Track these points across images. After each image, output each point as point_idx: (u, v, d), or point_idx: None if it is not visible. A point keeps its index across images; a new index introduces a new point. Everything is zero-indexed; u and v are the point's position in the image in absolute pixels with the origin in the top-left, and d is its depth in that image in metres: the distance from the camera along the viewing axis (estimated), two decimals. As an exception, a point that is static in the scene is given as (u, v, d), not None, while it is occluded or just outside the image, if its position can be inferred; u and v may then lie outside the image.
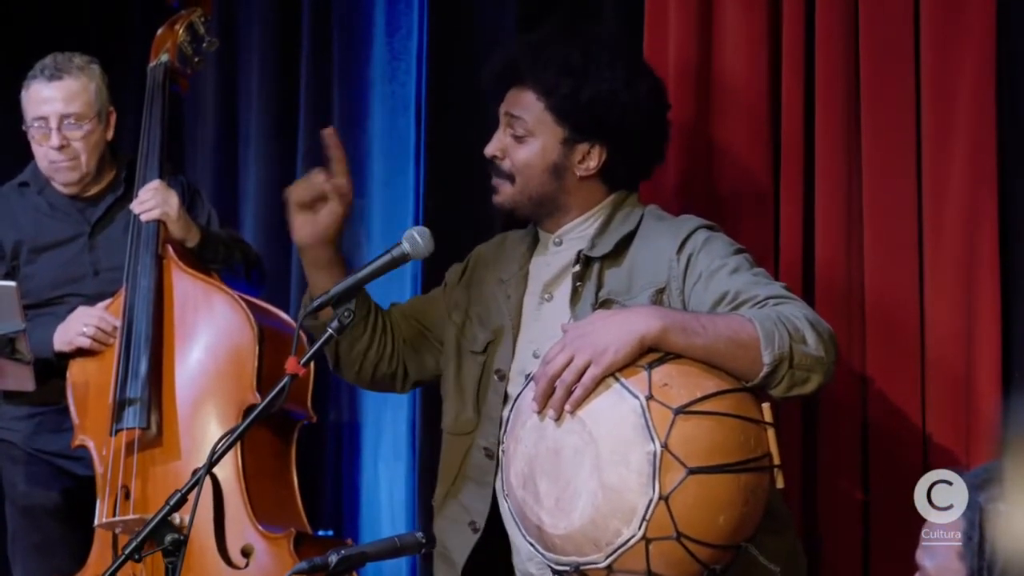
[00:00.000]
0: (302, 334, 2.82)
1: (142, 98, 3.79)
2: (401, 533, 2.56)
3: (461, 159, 3.70)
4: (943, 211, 3.06)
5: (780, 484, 2.41)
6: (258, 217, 4.35)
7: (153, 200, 3.60)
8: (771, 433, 2.41)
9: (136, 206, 3.62)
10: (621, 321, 2.42)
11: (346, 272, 2.81)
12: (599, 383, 2.37)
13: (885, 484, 3.08)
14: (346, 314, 2.63)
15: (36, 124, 3.72)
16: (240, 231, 4.23)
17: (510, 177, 2.83)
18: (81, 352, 3.59)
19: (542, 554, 2.44)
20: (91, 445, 3.53)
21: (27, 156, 3.82)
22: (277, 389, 2.54)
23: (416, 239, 2.68)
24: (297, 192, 2.83)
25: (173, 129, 4.02)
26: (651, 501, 2.29)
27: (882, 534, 3.08)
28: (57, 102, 3.70)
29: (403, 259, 2.69)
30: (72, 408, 3.58)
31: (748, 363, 2.43)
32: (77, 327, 3.57)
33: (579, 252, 2.80)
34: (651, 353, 2.40)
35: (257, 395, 3.42)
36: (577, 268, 2.79)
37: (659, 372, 2.37)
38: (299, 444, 3.60)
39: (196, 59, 3.85)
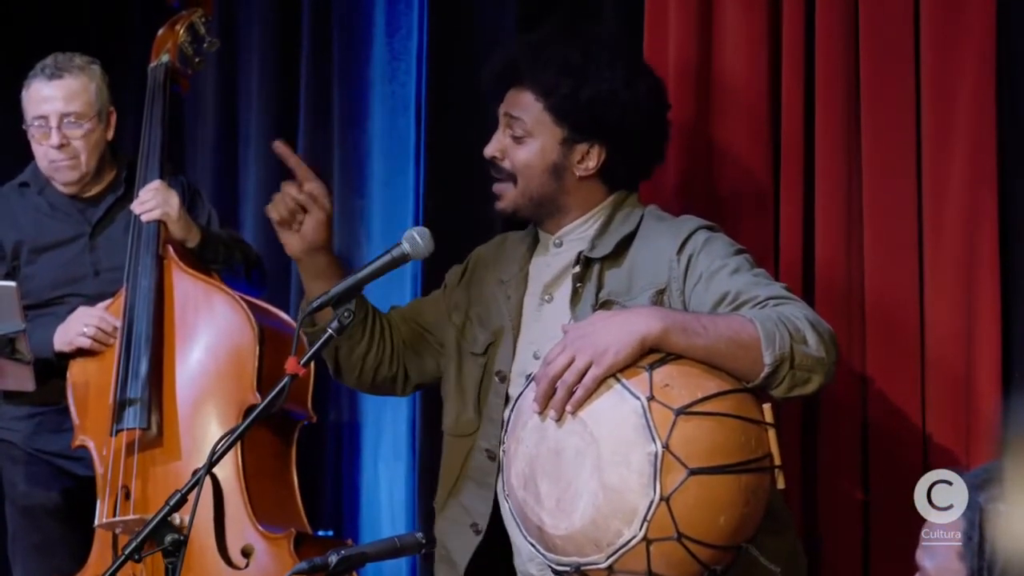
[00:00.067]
0: (302, 335, 2.82)
1: (142, 98, 3.80)
2: (401, 533, 2.56)
3: (461, 159, 3.70)
4: (943, 211, 3.06)
5: (781, 485, 2.42)
6: (258, 217, 4.34)
7: (154, 200, 3.60)
8: (772, 434, 2.41)
9: (137, 206, 3.62)
10: (622, 322, 2.42)
11: (344, 276, 2.81)
12: (600, 384, 2.37)
13: (885, 484, 3.08)
14: (346, 314, 2.63)
15: (36, 123, 3.72)
16: (240, 231, 4.23)
17: (512, 178, 2.83)
18: (81, 352, 3.60)
19: (543, 555, 2.44)
20: (91, 445, 3.53)
21: (27, 156, 3.82)
22: (277, 389, 2.54)
23: (416, 239, 2.68)
24: (275, 211, 2.82)
25: (173, 129, 4.02)
26: (652, 502, 2.29)
27: (882, 534, 3.08)
28: (57, 101, 3.70)
29: (403, 259, 2.69)
30: (72, 408, 3.58)
31: (749, 364, 2.43)
32: (77, 327, 3.58)
33: (579, 253, 2.80)
34: (652, 354, 2.40)
35: (257, 395, 3.42)
36: (577, 269, 2.79)
37: (660, 373, 2.37)
38: (299, 444, 3.60)
39: (197, 59, 3.85)
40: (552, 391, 2.40)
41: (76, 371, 3.61)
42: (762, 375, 2.43)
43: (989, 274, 2.99)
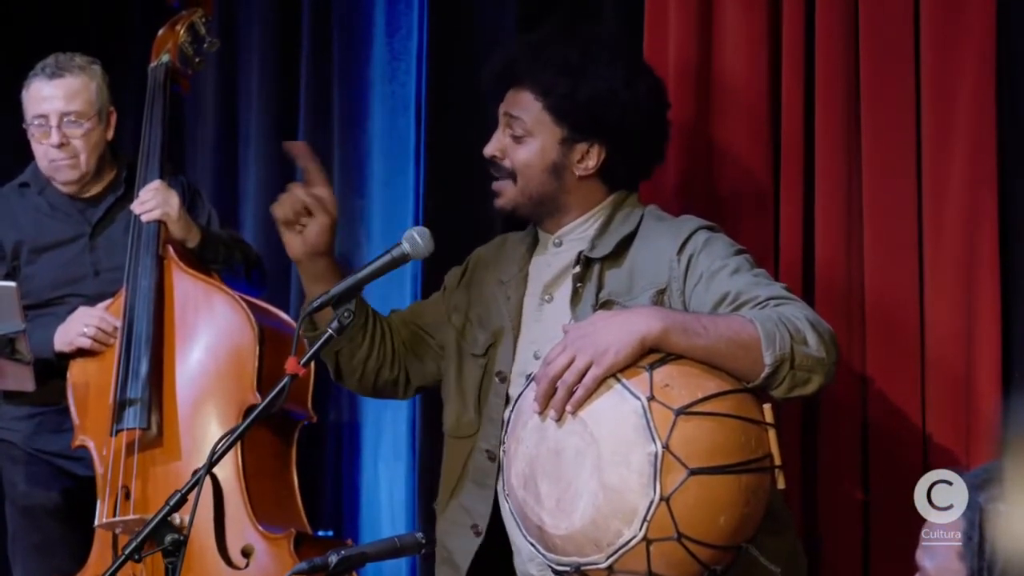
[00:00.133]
0: (303, 337, 2.82)
1: (142, 99, 3.80)
2: (401, 533, 2.57)
3: (461, 159, 3.70)
4: (943, 211, 3.06)
5: (781, 485, 2.42)
6: (258, 217, 4.35)
7: (154, 200, 3.60)
8: (772, 434, 2.41)
9: (137, 206, 3.62)
10: (622, 322, 2.42)
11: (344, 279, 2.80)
12: (600, 384, 2.37)
13: (885, 484, 3.08)
14: (346, 314, 2.63)
15: (36, 122, 3.73)
16: (240, 231, 4.23)
17: (512, 176, 2.83)
18: (81, 352, 3.60)
19: (543, 555, 2.44)
20: (91, 445, 3.53)
21: (27, 156, 3.82)
22: (277, 389, 2.54)
23: (416, 239, 2.68)
24: (280, 210, 2.82)
25: (173, 129, 4.02)
26: (652, 502, 2.29)
27: (882, 534, 3.08)
28: (58, 100, 3.71)
29: (403, 259, 2.69)
30: (72, 408, 3.58)
31: (749, 364, 2.43)
32: (77, 327, 3.58)
33: (579, 253, 2.80)
34: (652, 354, 2.40)
35: (257, 395, 3.42)
36: (577, 269, 2.79)
37: (660, 373, 2.37)
38: (299, 444, 3.60)
39: (197, 59, 3.85)
40: (552, 391, 2.39)
41: (76, 371, 3.61)
42: (762, 375, 2.43)
43: (989, 274, 2.99)
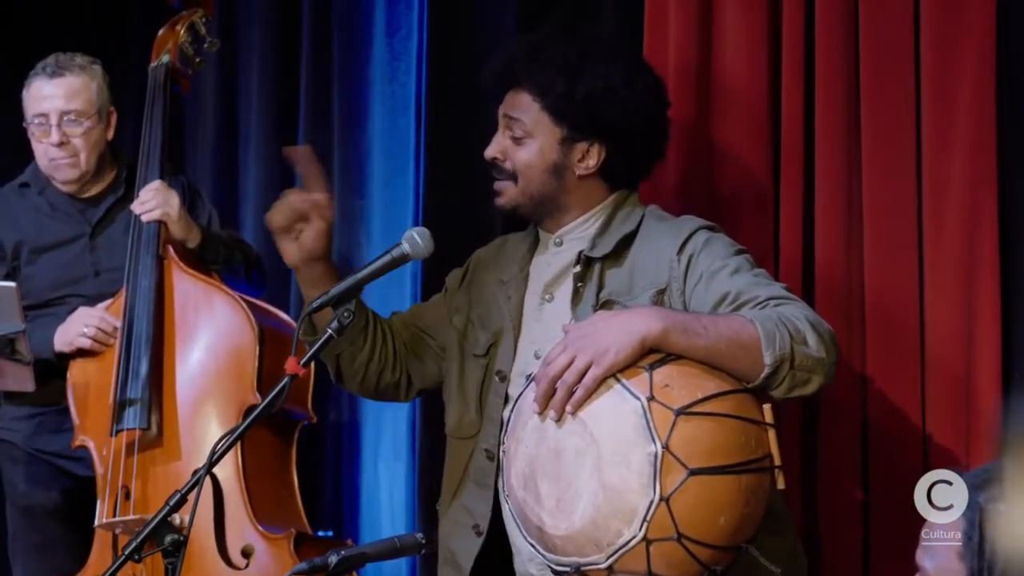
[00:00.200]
0: (303, 340, 2.82)
1: (142, 99, 3.80)
2: (401, 534, 2.56)
3: (461, 159, 3.70)
4: (943, 211, 3.06)
5: (781, 485, 2.42)
6: (258, 217, 4.34)
7: (154, 200, 3.60)
8: (772, 434, 2.41)
9: (137, 206, 3.62)
10: (622, 322, 2.42)
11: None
12: (600, 384, 2.37)
13: (885, 484, 3.08)
14: (345, 315, 2.62)
15: (36, 121, 3.73)
16: (240, 231, 4.23)
17: (512, 177, 2.83)
18: (81, 353, 3.59)
19: (543, 555, 2.44)
20: (91, 445, 3.53)
21: (27, 156, 3.82)
22: (277, 389, 2.54)
23: (416, 239, 2.67)
24: (275, 218, 2.81)
25: (173, 129, 4.02)
26: (652, 502, 2.29)
27: (882, 534, 3.08)
28: (58, 99, 3.71)
29: (403, 260, 2.69)
30: (72, 409, 3.58)
31: (749, 364, 2.43)
32: (77, 328, 3.58)
33: (580, 252, 2.80)
34: (652, 354, 2.40)
35: (257, 395, 3.42)
36: (578, 268, 2.79)
37: (660, 373, 2.37)
38: (299, 444, 3.60)
39: (197, 59, 3.85)
40: (552, 391, 2.39)
41: (76, 371, 3.60)
42: (762, 375, 2.43)
43: (989, 274, 2.99)
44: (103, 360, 3.57)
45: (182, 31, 3.80)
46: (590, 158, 2.81)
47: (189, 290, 3.57)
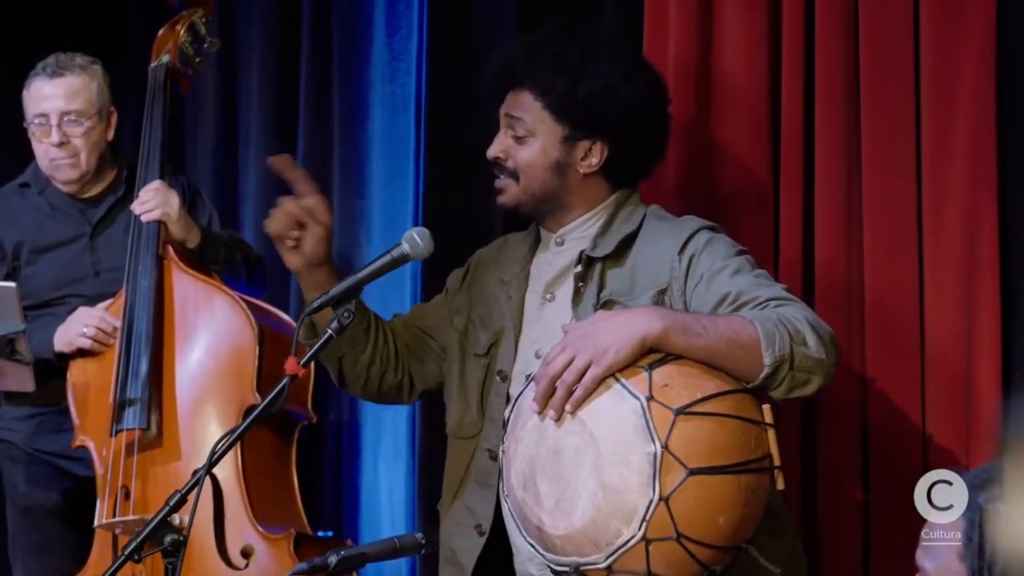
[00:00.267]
0: (303, 343, 2.81)
1: (142, 99, 3.80)
2: (401, 534, 2.56)
3: (461, 159, 3.70)
4: (943, 211, 3.06)
5: (780, 485, 2.41)
6: (258, 217, 4.34)
7: (154, 200, 3.60)
8: (771, 434, 2.41)
9: (137, 207, 3.62)
10: (622, 322, 2.42)
11: None
12: (600, 383, 2.37)
13: (885, 484, 3.08)
14: (345, 315, 2.62)
15: (37, 121, 3.73)
16: (240, 231, 4.23)
17: (514, 175, 2.83)
18: (81, 353, 3.60)
19: (542, 555, 2.44)
20: (91, 446, 3.53)
21: (27, 156, 3.83)
22: (277, 389, 2.54)
23: (416, 240, 2.67)
24: (273, 226, 2.82)
25: (173, 129, 4.02)
26: (651, 502, 2.29)
27: (882, 534, 3.08)
28: (58, 99, 3.71)
29: (403, 260, 2.69)
30: (72, 409, 3.58)
31: (749, 364, 2.43)
32: (77, 328, 3.58)
33: (581, 252, 2.80)
34: (652, 354, 2.40)
35: (257, 395, 3.42)
36: (579, 268, 2.79)
37: (660, 373, 2.37)
38: (299, 444, 3.60)
39: (197, 59, 3.85)
40: (551, 391, 2.39)
41: (76, 371, 3.61)
42: (762, 376, 2.43)
43: (989, 274, 2.99)
44: (103, 360, 3.57)
45: (182, 31, 3.81)
46: (592, 156, 2.81)
47: (189, 290, 3.57)
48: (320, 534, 3.69)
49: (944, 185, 3.05)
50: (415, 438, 3.95)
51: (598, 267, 2.78)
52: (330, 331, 2.62)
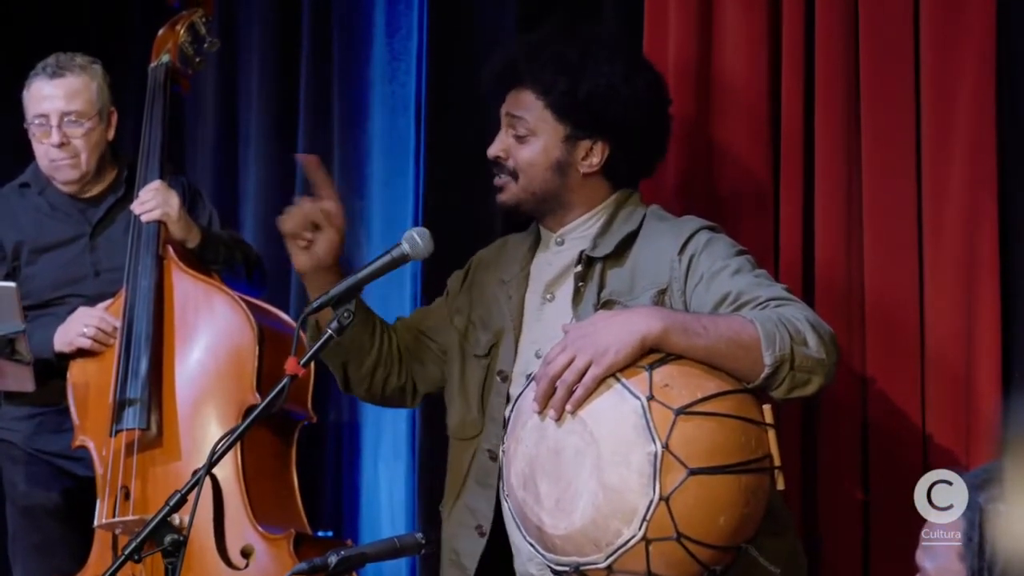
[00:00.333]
0: (302, 335, 2.82)
1: (142, 99, 3.80)
2: (401, 534, 2.56)
3: (461, 159, 3.70)
4: (943, 211, 3.06)
5: (781, 485, 2.41)
6: (258, 217, 4.35)
7: (154, 200, 3.60)
8: (772, 434, 2.41)
9: (137, 207, 3.62)
10: (623, 321, 2.42)
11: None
12: (600, 383, 2.37)
13: (885, 484, 3.08)
14: (345, 315, 2.62)
15: (37, 121, 3.73)
16: (240, 231, 4.23)
17: (514, 174, 2.83)
18: (81, 353, 3.59)
19: (542, 555, 2.44)
20: (91, 446, 3.53)
21: (27, 156, 3.82)
22: (277, 390, 2.54)
23: (416, 240, 2.67)
24: (288, 224, 2.81)
25: (173, 129, 4.02)
26: (652, 502, 2.29)
27: (882, 534, 3.08)
28: (58, 99, 3.71)
29: (403, 260, 2.69)
30: (72, 409, 3.58)
31: (749, 364, 2.43)
32: (77, 328, 3.57)
33: (581, 252, 2.80)
34: (652, 354, 2.40)
35: (257, 395, 3.42)
36: (579, 268, 2.79)
37: (660, 373, 2.37)
38: (299, 444, 3.60)
39: (197, 59, 3.85)
40: (552, 390, 2.39)
41: (76, 371, 3.60)
42: (762, 376, 2.43)
43: (989, 274, 2.99)
44: (103, 360, 3.57)
45: (182, 31, 3.80)
46: (593, 156, 2.82)
47: (189, 290, 3.57)
48: (320, 534, 3.69)
49: (944, 185, 3.05)
50: (415, 438, 3.95)
51: (598, 267, 2.78)
52: (330, 331, 2.62)
